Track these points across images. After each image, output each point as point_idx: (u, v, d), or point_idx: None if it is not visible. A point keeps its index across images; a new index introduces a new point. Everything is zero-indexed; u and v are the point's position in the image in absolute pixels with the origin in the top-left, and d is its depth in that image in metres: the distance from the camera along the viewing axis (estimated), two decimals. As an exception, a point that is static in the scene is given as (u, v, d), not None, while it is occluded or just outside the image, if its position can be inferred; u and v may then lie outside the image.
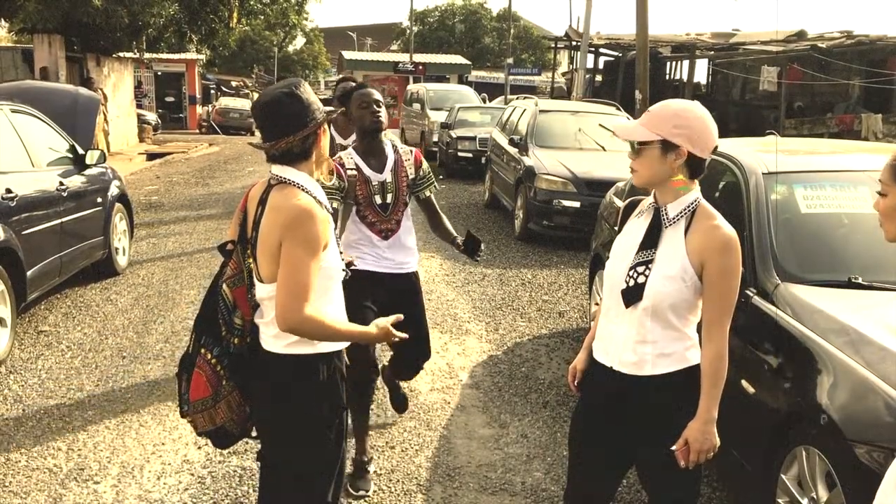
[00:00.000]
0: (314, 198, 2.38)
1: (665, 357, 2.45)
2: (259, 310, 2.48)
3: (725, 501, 3.79)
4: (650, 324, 2.44)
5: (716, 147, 2.43)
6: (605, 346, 2.58)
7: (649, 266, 2.42)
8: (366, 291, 3.75)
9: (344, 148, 4.32)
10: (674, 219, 2.43)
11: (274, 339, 2.42)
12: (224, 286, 2.45)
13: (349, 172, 3.79)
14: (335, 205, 3.58)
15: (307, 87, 2.43)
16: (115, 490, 3.78)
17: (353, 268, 3.29)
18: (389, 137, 4.03)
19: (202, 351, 2.46)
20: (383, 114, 3.80)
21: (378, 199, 3.83)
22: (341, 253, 2.58)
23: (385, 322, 2.54)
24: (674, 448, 2.39)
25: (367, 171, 3.83)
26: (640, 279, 2.42)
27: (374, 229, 3.85)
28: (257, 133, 2.71)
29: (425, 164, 4.02)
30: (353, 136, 4.40)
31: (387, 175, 3.86)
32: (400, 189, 3.88)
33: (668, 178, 2.42)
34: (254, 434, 2.65)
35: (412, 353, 4.08)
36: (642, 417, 2.50)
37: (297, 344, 2.39)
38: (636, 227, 2.54)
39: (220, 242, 2.56)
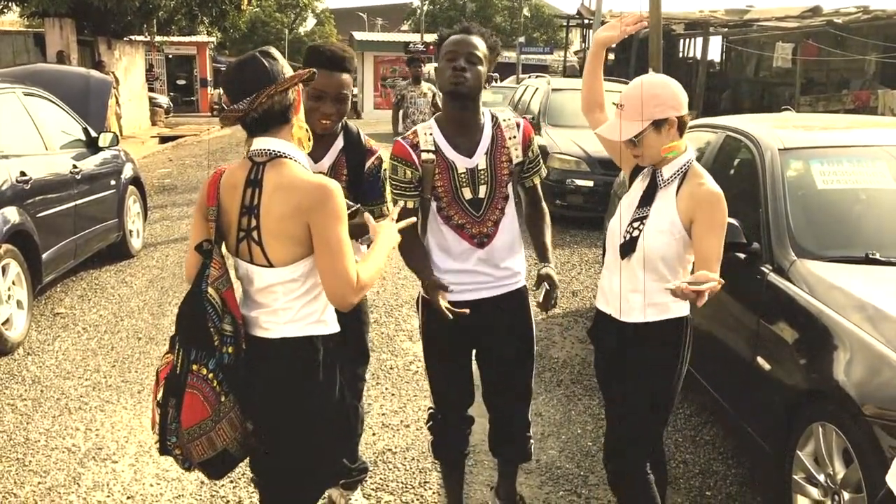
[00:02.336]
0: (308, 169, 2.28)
1: (652, 307, 2.65)
2: (253, 300, 2.29)
3: (741, 479, 3.79)
4: (642, 274, 2.63)
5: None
6: (605, 296, 2.82)
7: (643, 222, 2.64)
8: (458, 340, 2.96)
9: None
10: (668, 180, 2.64)
11: (285, 325, 2.26)
12: (210, 290, 2.19)
13: (424, 156, 2.81)
14: (409, 205, 2.83)
15: (278, 52, 2.28)
16: (133, 469, 3.81)
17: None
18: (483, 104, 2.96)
19: (194, 367, 2.19)
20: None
21: (467, 194, 2.83)
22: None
23: (383, 225, 2.40)
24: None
25: (449, 153, 2.82)
26: (635, 233, 2.64)
27: (463, 234, 2.87)
28: None
29: (535, 142, 2.99)
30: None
31: (479, 159, 2.83)
32: (498, 179, 2.86)
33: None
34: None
35: (506, 415, 3.14)
36: (626, 361, 2.72)
37: (315, 323, 2.29)
38: (637, 187, 2.75)
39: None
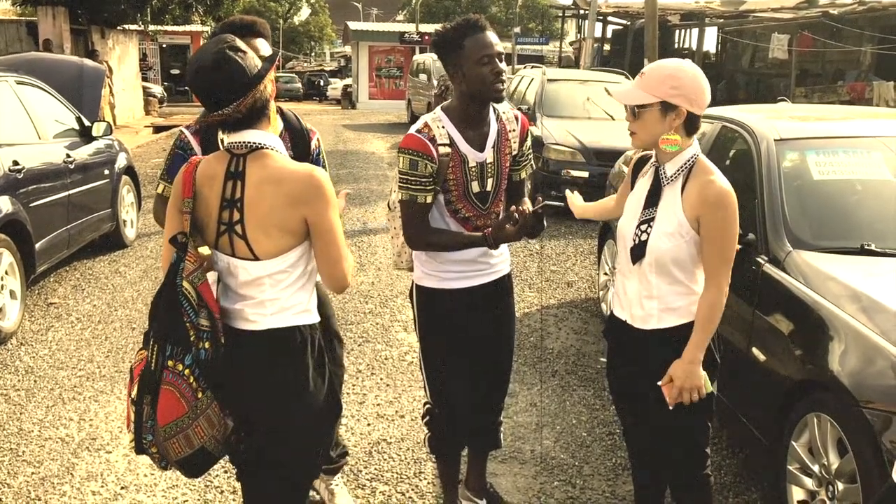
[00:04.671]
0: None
1: (671, 311, 2.53)
2: (236, 293, 2.23)
3: (736, 469, 3.80)
4: (655, 279, 2.52)
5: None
6: (620, 301, 2.69)
7: (651, 224, 2.50)
8: (454, 329, 2.95)
9: None
10: (671, 177, 2.49)
11: (273, 317, 2.22)
12: (185, 283, 2.12)
13: (441, 149, 2.75)
14: (429, 199, 2.76)
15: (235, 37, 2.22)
16: (127, 459, 3.80)
17: (438, 288, 2.92)
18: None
19: (170, 364, 2.12)
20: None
21: (475, 187, 2.82)
22: None
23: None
24: (660, 384, 2.48)
25: (463, 147, 2.78)
26: (644, 237, 2.51)
27: (468, 227, 2.87)
28: None
29: (530, 136, 3.01)
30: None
31: (488, 154, 2.83)
32: (502, 172, 2.88)
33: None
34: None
35: (486, 402, 3.13)
36: (650, 369, 2.57)
37: (301, 313, 2.26)
38: (642, 186, 2.62)
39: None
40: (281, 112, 3.05)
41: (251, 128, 2.18)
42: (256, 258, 2.18)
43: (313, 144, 3.10)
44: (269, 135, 2.21)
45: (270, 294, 2.21)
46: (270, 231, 2.15)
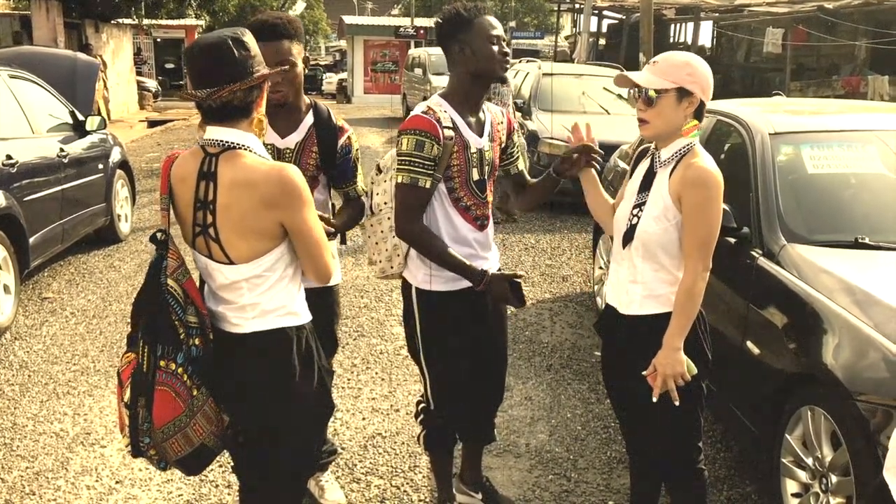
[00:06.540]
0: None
1: (652, 298, 2.53)
2: (217, 295, 2.21)
3: (730, 462, 3.81)
4: (641, 264, 2.53)
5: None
6: (611, 288, 2.70)
7: (642, 208, 2.52)
8: (456, 330, 2.90)
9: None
10: (665, 161, 2.51)
11: (255, 320, 2.18)
12: (170, 281, 2.10)
13: (446, 132, 2.69)
14: (428, 185, 2.70)
15: (252, 37, 2.15)
16: (122, 453, 3.79)
17: (445, 290, 2.87)
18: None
19: (162, 363, 2.09)
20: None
21: (475, 174, 2.79)
22: None
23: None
24: (644, 373, 2.49)
25: (466, 132, 2.76)
26: (634, 220, 2.53)
27: (468, 217, 2.82)
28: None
29: (516, 131, 3.08)
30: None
31: (485, 140, 2.83)
32: (495, 161, 2.89)
33: (679, 126, 2.46)
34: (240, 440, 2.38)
35: (484, 396, 3.12)
36: (630, 356, 2.59)
37: (285, 315, 2.22)
38: (639, 171, 2.65)
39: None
40: (315, 106, 3.00)
41: (228, 125, 2.12)
42: (231, 262, 2.14)
43: (341, 142, 3.00)
44: (245, 134, 2.14)
45: (249, 298, 2.17)
46: (246, 234, 2.11)
